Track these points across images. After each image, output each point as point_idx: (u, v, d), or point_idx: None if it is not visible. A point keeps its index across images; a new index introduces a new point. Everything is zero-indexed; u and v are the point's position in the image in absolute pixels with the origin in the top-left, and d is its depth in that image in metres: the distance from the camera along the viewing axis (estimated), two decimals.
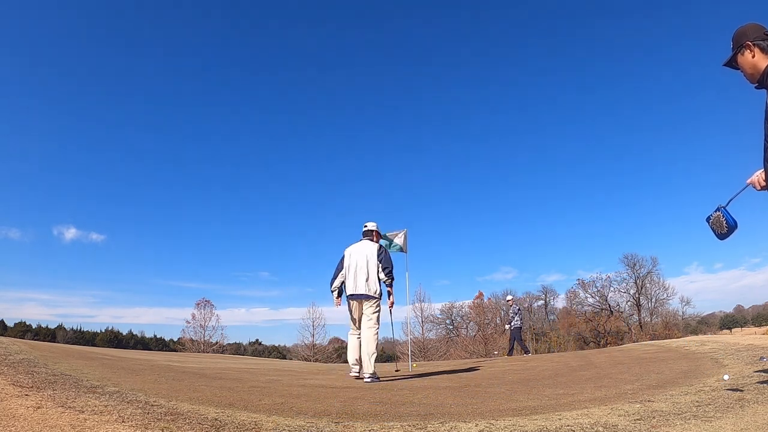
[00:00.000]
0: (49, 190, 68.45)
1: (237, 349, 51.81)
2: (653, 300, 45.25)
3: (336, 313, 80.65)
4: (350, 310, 6.37)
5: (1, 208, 64.62)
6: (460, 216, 74.67)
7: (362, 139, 75.98)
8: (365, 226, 6.63)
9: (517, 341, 14.51)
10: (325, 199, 73.87)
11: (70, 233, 69.31)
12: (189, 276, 76.21)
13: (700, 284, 64.90)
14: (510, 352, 14.15)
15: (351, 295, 6.29)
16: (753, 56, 2.66)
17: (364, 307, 6.23)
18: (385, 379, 6.41)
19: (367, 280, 6.19)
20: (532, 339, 47.67)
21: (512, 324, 14.50)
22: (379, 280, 6.29)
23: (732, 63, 2.79)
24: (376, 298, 6.19)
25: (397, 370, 7.99)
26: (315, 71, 74.94)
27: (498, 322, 47.83)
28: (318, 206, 74.41)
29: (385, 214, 69.08)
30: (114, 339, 54.40)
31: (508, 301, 16.78)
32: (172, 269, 77.88)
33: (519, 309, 15.24)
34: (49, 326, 54.96)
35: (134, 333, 58.97)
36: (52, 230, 68.57)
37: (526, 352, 14.41)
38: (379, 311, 6.27)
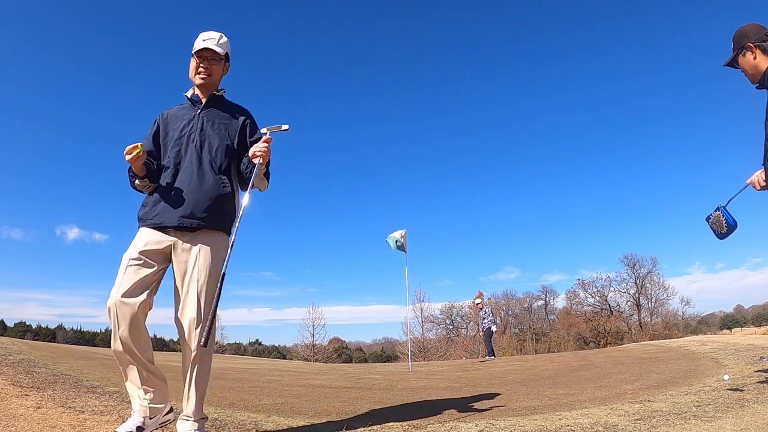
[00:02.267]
0: (53, 190, 68.24)
1: (237, 349, 51.79)
2: (653, 300, 45.25)
3: (336, 314, 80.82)
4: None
5: (3, 208, 64.54)
6: (463, 216, 74.43)
7: (364, 138, 75.82)
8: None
9: (486, 342, 13.92)
10: (327, 198, 73.67)
11: (73, 233, 69.12)
12: None
13: (701, 284, 64.80)
14: (491, 353, 13.75)
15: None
16: (754, 58, 2.66)
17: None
18: (385, 379, 6.41)
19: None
20: (532, 339, 47.66)
21: (483, 325, 13.98)
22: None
23: (733, 63, 2.79)
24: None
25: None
26: (315, 68, 74.84)
27: (498, 322, 47.81)
28: (319, 205, 74.26)
29: (389, 214, 68.86)
30: None
31: (477, 304, 15.18)
32: None
33: (490, 311, 14.53)
34: (49, 326, 55.03)
35: None
36: (55, 230, 68.43)
37: (491, 354, 13.52)
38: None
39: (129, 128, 68.84)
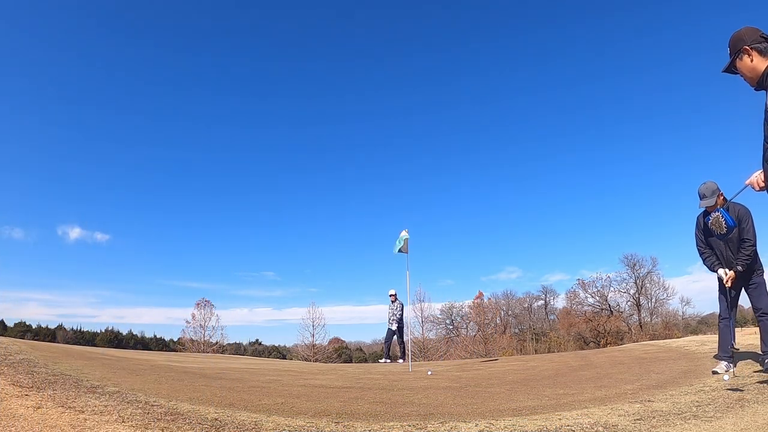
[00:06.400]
0: (55, 190, 68.01)
1: (237, 349, 51.77)
2: (653, 300, 45.26)
3: (336, 314, 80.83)
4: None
5: (5, 208, 64.36)
6: (465, 216, 74.45)
7: (365, 136, 75.58)
8: None
9: (386, 342, 12.45)
10: (327, 198, 73.56)
11: (75, 233, 68.95)
12: (193, 276, 75.83)
13: (703, 283, 64.46)
14: (391, 356, 12.14)
15: None
16: (751, 60, 2.65)
17: None
18: (385, 379, 6.41)
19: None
20: (532, 339, 47.67)
21: (390, 323, 12.26)
22: None
23: (731, 69, 2.79)
24: None
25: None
26: (317, 70, 74.70)
27: (498, 322, 47.79)
28: (320, 205, 74.16)
29: (390, 213, 68.75)
30: (114, 339, 54.35)
31: (391, 296, 12.56)
32: (176, 269, 77.61)
33: (401, 307, 12.43)
34: (49, 326, 55.02)
35: (134, 333, 58.96)
36: (57, 230, 68.21)
37: (387, 358, 12.11)
38: None
39: (132, 126, 69.03)
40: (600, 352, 12.24)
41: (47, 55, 64.44)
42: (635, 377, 5.30)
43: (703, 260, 5.05)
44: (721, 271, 4.80)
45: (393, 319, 12.25)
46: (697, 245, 5.10)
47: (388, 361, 11.99)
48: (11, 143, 63.47)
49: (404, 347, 12.67)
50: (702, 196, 4.79)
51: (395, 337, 12.37)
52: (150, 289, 75.10)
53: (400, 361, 12.02)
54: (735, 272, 4.69)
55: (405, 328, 12.87)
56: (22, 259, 65.13)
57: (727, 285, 4.73)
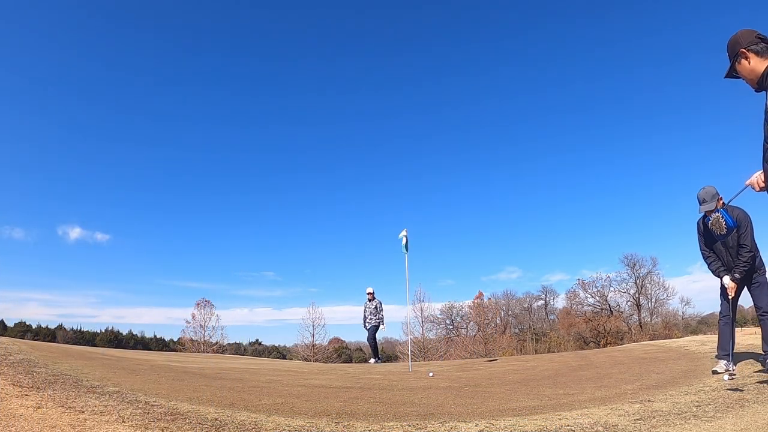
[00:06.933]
0: (56, 189, 67.93)
1: (237, 349, 51.75)
2: (653, 300, 45.29)
3: (336, 313, 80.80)
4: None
5: (5, 208, 64.35)
6: (465, 216, 74.44)
7: (365, 135, 75.59)
8: None
9: (373, 342, 12.32)
10: (327, 198, 73.55)
11: (75, 233, 68.93)
12: (193, 276, 75.78)
13: (703, 284, 64.34)
14: (375, 355, 12.01)
15: None
16: (749, 62, 2.67)
17: None
18: (385, 379, 6.41)
19: None
20: (532, 339, 47.67)
21: (366, 321, 12.17)
22: None
23: (732, 74, 2.80)
24: None
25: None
26: (317, 69, 74.68)
27: (498, 322, 47.81)
28: (320, 205, 74.20)
29: (390, 213, 68.74)
30: (114, 339, 54.38)
31: (368, 294, 12.49)
32: (176, 269, 77.58)
33: (381, 305, 12.32)
34: (49, 326, 55.05)
35: (134, 333, 58.99)
36: (57, 230, 68.19)
37: (377, 357, 12.01)
38: None
39: (132, 126, 68.97)
40: (600, 352, 12.25)
41: (47, 54, 64.43)
42: (635, 377, 5.30)
43: (708, 265, 5.05)
44: (726, 279, 4.78)
45: (372, 317, 12.22)
46: (701, 250, 5.10)
47: (380, 361, 11.95)
48: (11, 143, 63.49)
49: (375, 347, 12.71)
50: (702, 201, 4.77)
51: (368, 334, 12.31)
52: (150, 289, 75.06)
53: (372, 361, 11.94)
54: (734, 280, 4.69)
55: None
56: (22, 259, 65.14)
57: (730, 296, 4.74)
